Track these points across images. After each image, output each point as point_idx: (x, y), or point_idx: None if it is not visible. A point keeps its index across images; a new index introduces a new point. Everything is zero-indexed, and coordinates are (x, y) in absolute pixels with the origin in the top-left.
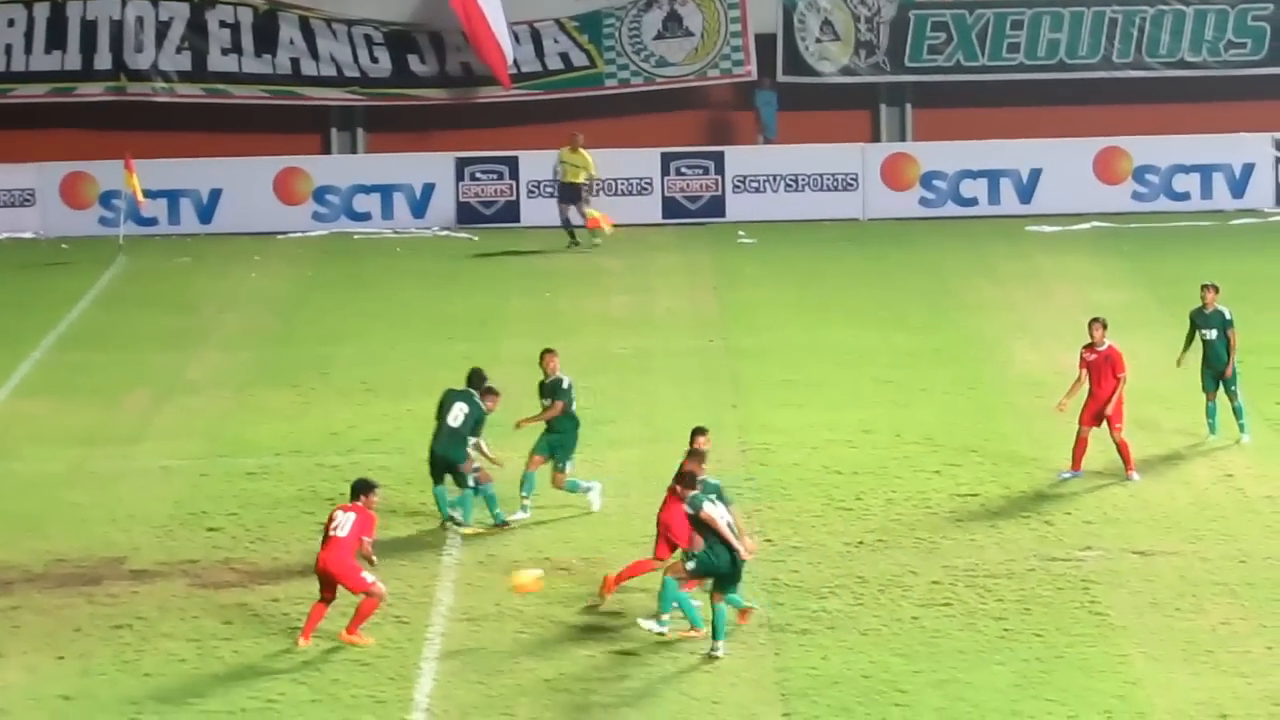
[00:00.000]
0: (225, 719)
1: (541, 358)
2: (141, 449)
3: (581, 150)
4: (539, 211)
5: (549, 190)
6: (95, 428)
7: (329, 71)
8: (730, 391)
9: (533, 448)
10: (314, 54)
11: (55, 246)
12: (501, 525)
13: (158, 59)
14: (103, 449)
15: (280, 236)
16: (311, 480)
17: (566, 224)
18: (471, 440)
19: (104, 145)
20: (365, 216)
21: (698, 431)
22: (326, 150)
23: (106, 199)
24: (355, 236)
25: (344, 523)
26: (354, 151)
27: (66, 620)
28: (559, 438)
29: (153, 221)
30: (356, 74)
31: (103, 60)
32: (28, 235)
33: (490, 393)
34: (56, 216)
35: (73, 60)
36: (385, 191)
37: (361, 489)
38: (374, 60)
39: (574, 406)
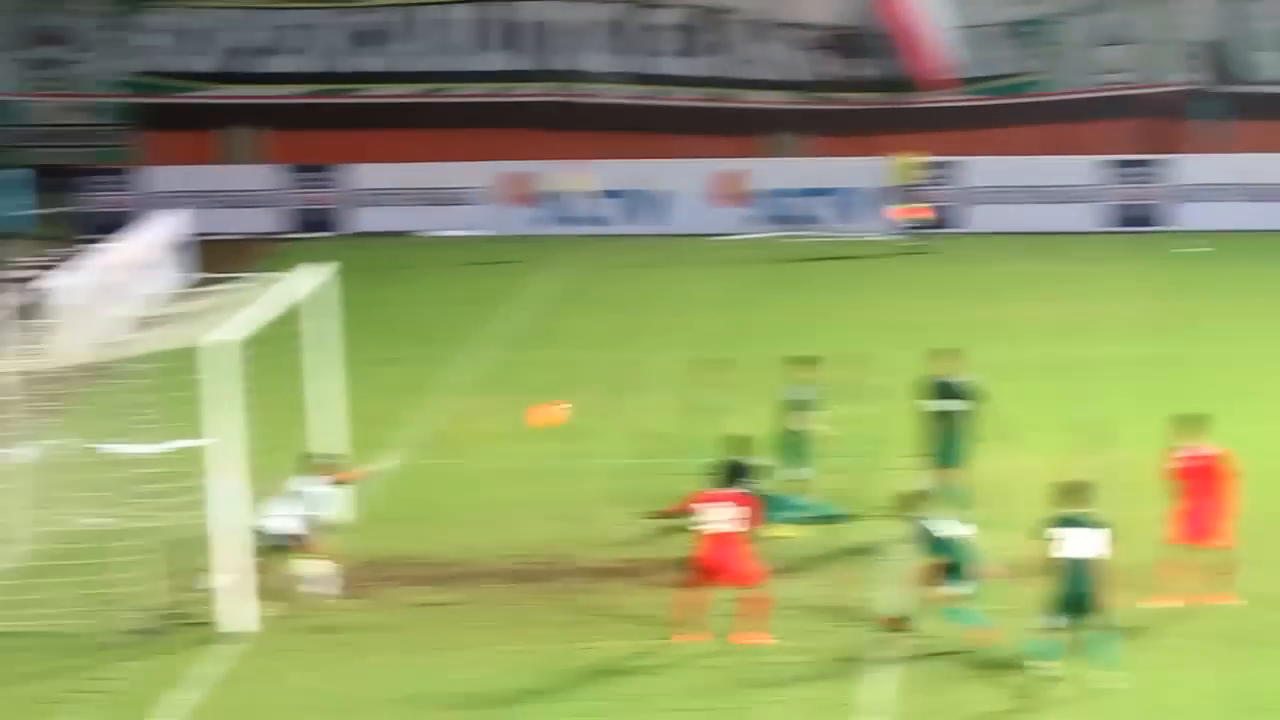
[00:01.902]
0: (682, 718)
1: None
2: (589, 447)
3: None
4: (981, 217)
5: (990, 196)
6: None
7: (766, 75)
8: (1186, 401)
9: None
10: (751, 57)
11: (499, 245)
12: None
13: (598, 61)
14: (550, 446)
15: (716, 238)
16: None
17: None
18: None
19: (546, 145)
20: (803, 219)
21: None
22: (764, 153)
23: (549, 198)
24: (790, 239)
25: (724, 514)
26: (791, 154)
27: (522, 614)
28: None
29: (594, 221)
30: (793, 77)
31: (545, 61)
32: (473, 233)
33: None
34: (498, 214)
35: (516, 61)
36: (822, 195)
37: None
38: (810, 63)
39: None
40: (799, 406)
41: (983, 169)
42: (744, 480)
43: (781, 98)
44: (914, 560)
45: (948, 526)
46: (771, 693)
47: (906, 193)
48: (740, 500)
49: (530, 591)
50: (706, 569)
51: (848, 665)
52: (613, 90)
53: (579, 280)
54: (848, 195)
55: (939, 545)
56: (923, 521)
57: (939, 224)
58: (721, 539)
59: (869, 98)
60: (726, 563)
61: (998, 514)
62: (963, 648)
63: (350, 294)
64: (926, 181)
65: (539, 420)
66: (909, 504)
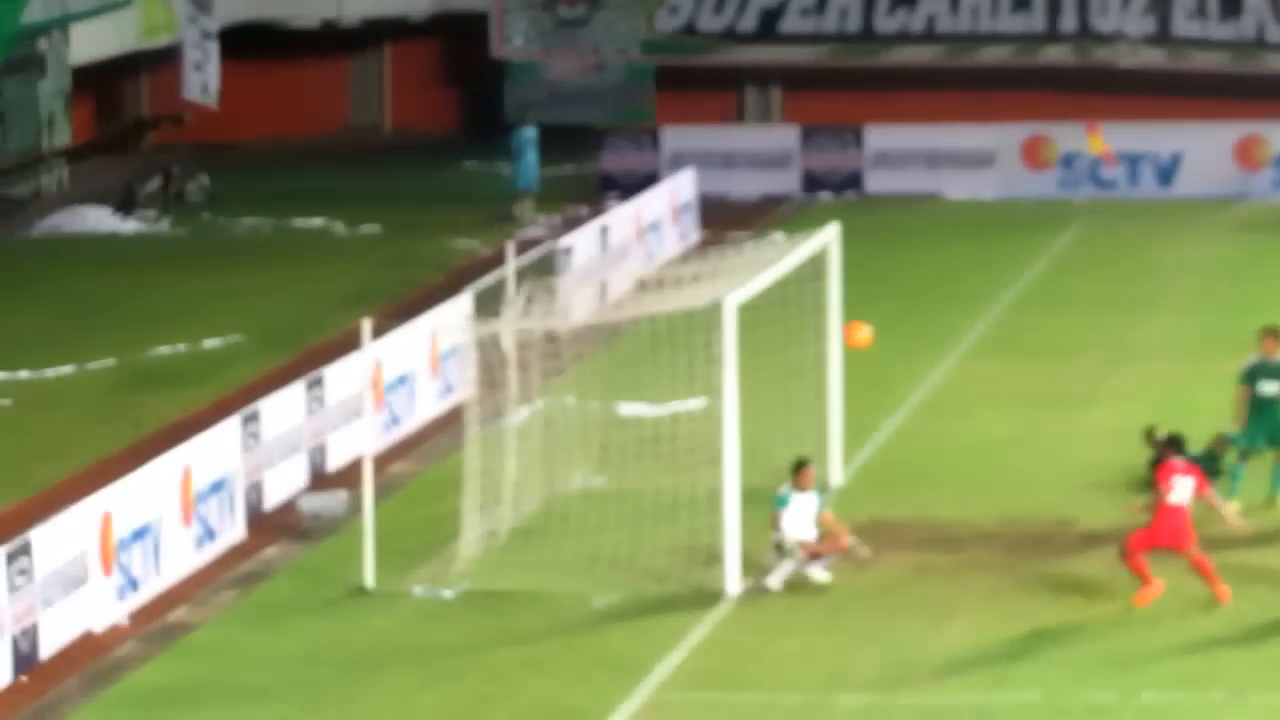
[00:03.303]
0: (1170, 681)
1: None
2: (1092, 412)
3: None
4: None
5: None
6: (1046, 389)
7: None
8: None
9: None
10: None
11: (1013, 207)
12: None
13: (1122, 23)
14: (1053, 410)
15: (1239, 203)
16: None
17: None
18: None
19: (1065, 107)
20: None
21: None
22: None
23: (1067, 161)
24: None
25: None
26: None
27: (1015, 580)
28: None
29: (1111, 185)
30: None
31: (1067, 23)
32: (986, 197)
33: None
34: (1015, 178)
35: (1037, 22)
36: None
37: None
38: None
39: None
40: (1261, 377)
41: None
42: (1183, 452)
43: None
44: None
45: None
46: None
47: None
48: (1193, 471)
49: (1023, 558)
50: (1157, 538)
51: None
52: (1136, 54)
53: (1091, 244)
54: None
55: None
56: None
57: None
58: (1175, 510)
59: None
60: (1176, 532)
61: None
62: None
63: (867, 256)
64: None
65: (853, 340)
66: None
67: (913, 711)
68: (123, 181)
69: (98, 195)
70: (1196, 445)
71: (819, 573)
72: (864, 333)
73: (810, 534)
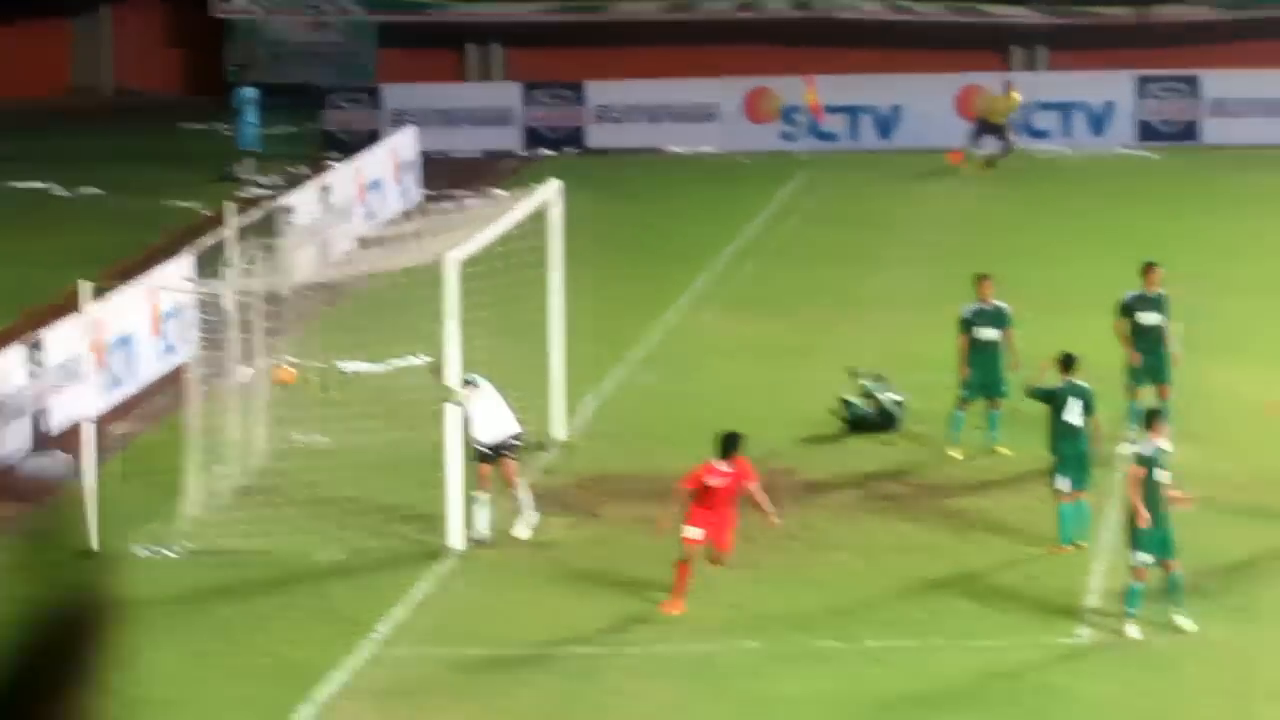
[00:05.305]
0: (895, 629)
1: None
2: (814, 361)
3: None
4: (1220, 130)
5: (1231, 109)
6: (770, 340)
7: None
8: None
9: None
10: None
11: (735, 161)
12: None
13: None
14: (777, 361)
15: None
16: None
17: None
18: None
19: (786, 61)
20: (1044, 134)
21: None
22: (1006, 68)
23: (789, 114)
24: (1034, 154)
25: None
26: (1034, 69)
27: (738, 530)
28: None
29: (832, 137)
30: None
31: None
32: (708, 149)
33: None
34: (738, 131)
35: None
36: (1065, 109)
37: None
38: None
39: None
40: (977, 323)
41: (1222, 83)
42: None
43: (1026, 12)
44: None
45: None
46: (972, 594)
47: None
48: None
49: (745, 509)
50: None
51: None
52: (856, 7)
53: (814, 196)
54: (1094, 110)
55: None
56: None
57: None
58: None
59: (1114, 12)
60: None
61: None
62: None
63: (590, 211)
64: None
65: (281, 378)
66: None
67: (638, 661)
68: None
69: None
70: (922, 394)
71: (522, 529)
72: (283, 374)
73: (495, 433)
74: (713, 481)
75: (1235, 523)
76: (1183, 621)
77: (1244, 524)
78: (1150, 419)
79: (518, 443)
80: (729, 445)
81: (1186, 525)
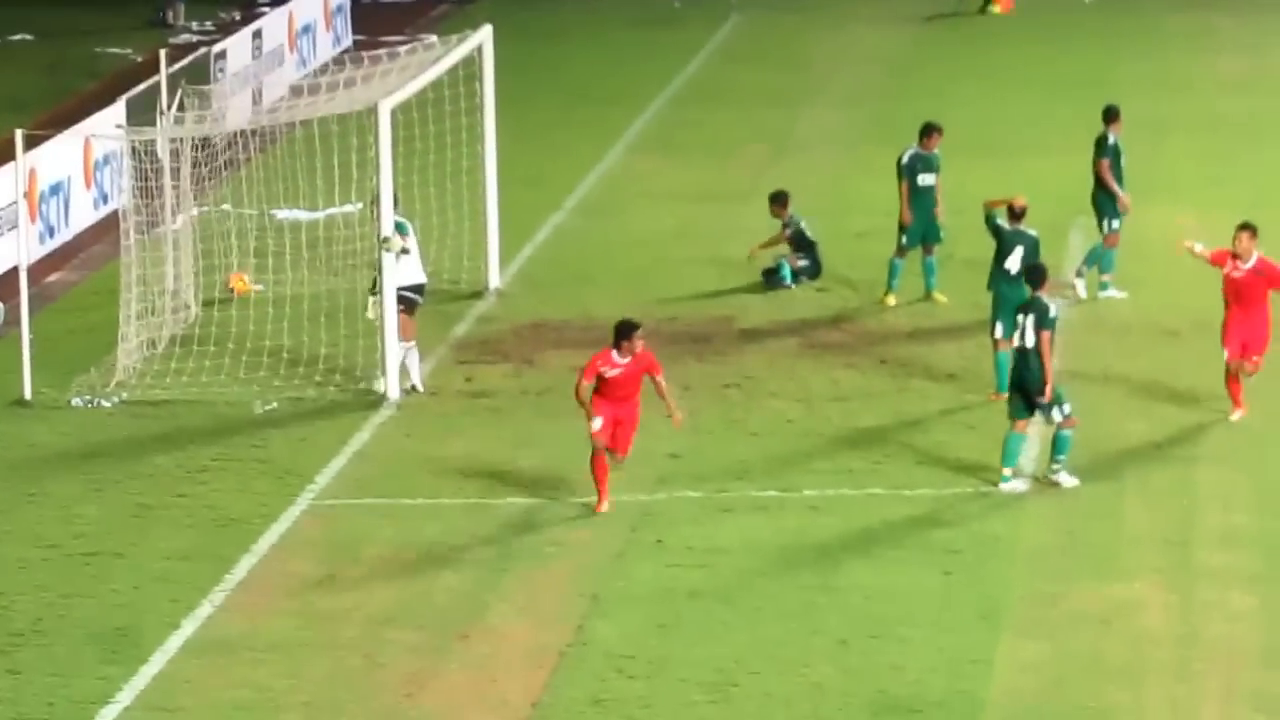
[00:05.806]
0: (833, 478)
1: None
2: (752, 206)
3: None
4: None
5: None
6: (706, 184)
7: None
8: None
9: None
10: None
11: (667, 4)
12: None
13: None
14: (713, 205)
15: None
16: None
17: None
18: None
19: None
20: None
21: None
22: None
23: None
24: None
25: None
26: None
27: (676, 378)
28: None
29: None
30: None
31: None
32: None
33: None
34: None
35: None
36: None
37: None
38: None
39: None
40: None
41: None
42: None
43: None
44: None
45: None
46: (909, 443)
47: None
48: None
49: (684, 357)
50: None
51: None
52: None
53: (747, 38)
54: None
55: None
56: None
57: None
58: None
59: None
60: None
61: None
62: None
63: (522, 56)
64: None
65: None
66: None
67: (575, 510)
68: None
69: None
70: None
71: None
72: (237, 283)
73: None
74: (608, 373)
75: (1177, 366)
76: (1064, 478)
77: (1185, 368)
78: (1030, 275)
79: (418, 297)
80: (620, 334)
81: (1125, 370)
